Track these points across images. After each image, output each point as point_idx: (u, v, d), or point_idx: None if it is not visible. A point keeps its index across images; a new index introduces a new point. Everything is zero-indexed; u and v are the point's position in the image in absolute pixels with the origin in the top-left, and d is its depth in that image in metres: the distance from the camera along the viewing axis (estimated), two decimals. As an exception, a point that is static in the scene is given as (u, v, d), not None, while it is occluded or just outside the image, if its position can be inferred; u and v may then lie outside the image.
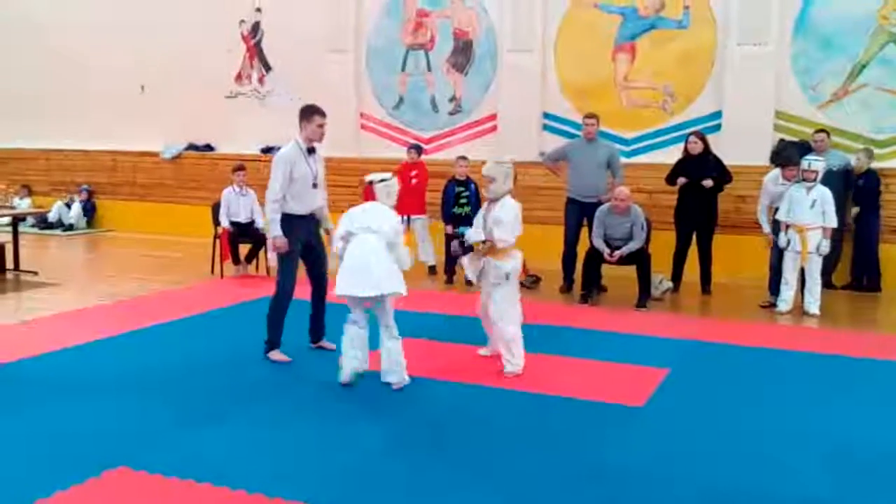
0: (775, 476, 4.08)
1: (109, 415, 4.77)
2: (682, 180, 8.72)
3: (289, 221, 5.80)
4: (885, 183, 9.11)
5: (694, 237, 8.83)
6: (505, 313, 5.70)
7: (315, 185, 5.90)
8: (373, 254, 5.19)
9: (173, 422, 4.67)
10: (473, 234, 5.86)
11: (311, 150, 5.90)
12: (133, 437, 4.41)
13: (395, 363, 5.33)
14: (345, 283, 5.20)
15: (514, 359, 5.70)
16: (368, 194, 5.49)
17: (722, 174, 8.71)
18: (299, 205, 5.84)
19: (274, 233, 5.79)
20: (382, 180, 5.52)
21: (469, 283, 9.01)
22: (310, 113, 5.85)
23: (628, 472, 4.11)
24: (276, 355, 5.87)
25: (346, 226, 5.35)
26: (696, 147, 8.69)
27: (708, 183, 8.58)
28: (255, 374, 5.63)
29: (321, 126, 5.86)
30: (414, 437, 4.55)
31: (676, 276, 8.86)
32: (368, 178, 5.55)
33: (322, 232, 6.12)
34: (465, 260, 5.87)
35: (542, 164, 9.59)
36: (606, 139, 9.37)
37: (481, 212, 5.90)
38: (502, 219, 5.62)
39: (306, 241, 5.95)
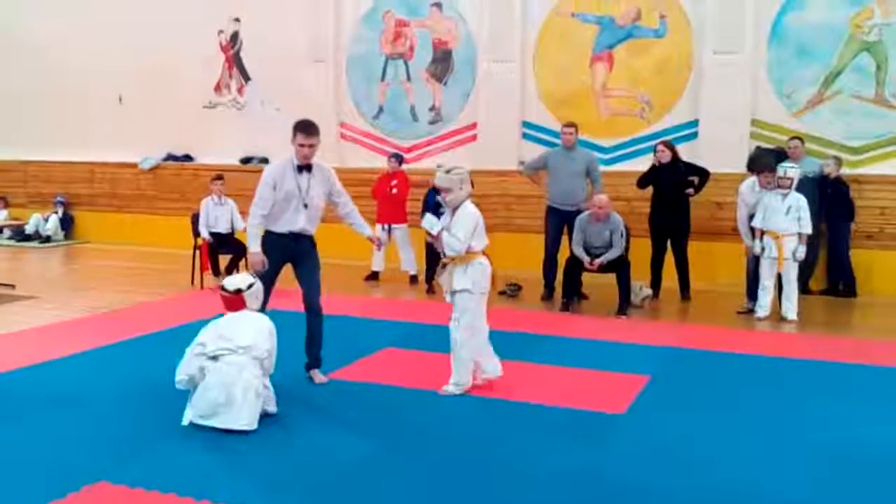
0: (755, 481, 4.12)
1: (89, 428, 4.73)
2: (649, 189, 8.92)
3: (266, 239, 5.49)
4: (860, 189, 9.26)
5: (669, 244, 8.92)
6: (460, 325, 5.41)
7: (306, 206, 5.48)
8: (240, 387, 4.65)
9: (154, 435, 4.64)
10: (429, 221, 5.44)
11: (301, 168, 5.48)
12: (113, 451, 4.38)
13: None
14: (202, 409, 4.70)
15: (459, 379, 5.45)
16: (236, 304, 4.96)
17: (699, 173, 8.84)
18: (278, 224, 5.51)
19: (251, 248, 5.46)
20: (250, 286, 4.99)
21: (430, 291, 9.08)
22: (294, 130, 5.43)
23: (609, 479, 4.13)
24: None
25: (210, 343, 4.78)
26: (664, 156, 8.80)
27: (690, 192, 8.72)
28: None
29: (302, 145, 5.39)
30: (396, 446, 4.54)
31: (655, 283, 8.93)
32: (233, 286, 4.98)
33: (368, 239, 5.75)
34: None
35: (522, 174, 9.63)
36: (585, 147, 9.43)
37: (447, 215, 5.51)
38: (454, 225, 5.36)
39: (291, 261, 5.63)
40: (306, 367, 5.77)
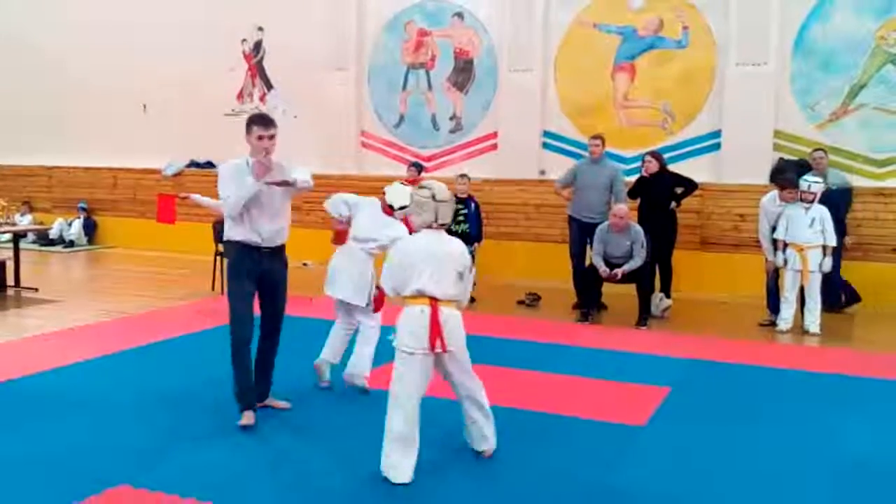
0: (777, 496, 4.08)
1: (110, 432, 4.77)
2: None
3: (237, 251, 4.88)
4: (884, 202, 9.17)
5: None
6: (392, 385, 4.18)
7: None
8: (348, 262, 5.51)
9: (175, 439, 4.66)
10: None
11: None
12: (134, 455, 4.40)
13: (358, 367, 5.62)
14: (326, 284, 5.63)
15: (386, 457, 4.11)
16: (386, 212, 5.61)
17: (685, 184, 8.78)
18: (249, 231, 4.82)
19: (252, 187, 4.68)
20: (402, 207, 5.38)
21: None
22: (249, 123, 4.78)
23: (630, 492, 4.10)
24: (247, 419, 4.86)
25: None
26: (651, 166, 8.72)
27: (673, 205, 8.70)
28: (255, 391, 5.61)
29: (261, 138, 4.70)
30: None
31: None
32: (388, 199, 5.52)
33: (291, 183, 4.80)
34: None
35: (555, 192, 9.43)
36: (606, 158, 9.38)
37: None
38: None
39: (260, 278, 4.92)
40: (258, 399, 5.10)
